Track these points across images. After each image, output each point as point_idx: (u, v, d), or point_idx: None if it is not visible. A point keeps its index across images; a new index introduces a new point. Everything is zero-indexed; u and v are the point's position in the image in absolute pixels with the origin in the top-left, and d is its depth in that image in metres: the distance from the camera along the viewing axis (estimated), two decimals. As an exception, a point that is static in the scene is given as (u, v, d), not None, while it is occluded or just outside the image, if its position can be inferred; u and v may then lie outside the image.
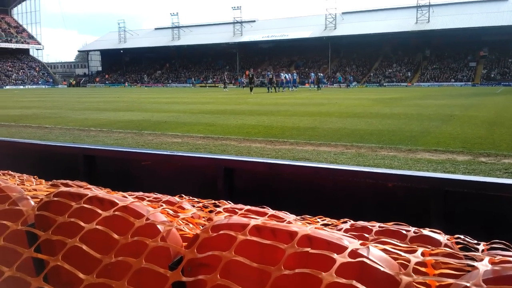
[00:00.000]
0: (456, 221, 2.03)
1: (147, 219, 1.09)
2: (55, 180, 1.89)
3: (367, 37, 65.14)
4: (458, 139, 8.62)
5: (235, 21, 78.10)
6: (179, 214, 1.23)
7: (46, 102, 26.07)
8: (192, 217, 1.25)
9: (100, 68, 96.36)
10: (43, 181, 1.89)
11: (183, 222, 1.16)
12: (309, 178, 2.43)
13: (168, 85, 77.79)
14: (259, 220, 0.99)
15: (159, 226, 1.08)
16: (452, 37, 62.44)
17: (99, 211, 1.11)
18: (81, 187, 1.75)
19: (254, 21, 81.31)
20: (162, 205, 1.32)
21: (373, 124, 11.59)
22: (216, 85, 69.01)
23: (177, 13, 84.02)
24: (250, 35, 76.52)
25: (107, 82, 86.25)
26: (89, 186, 1.76)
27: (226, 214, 1.34)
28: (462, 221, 2.03)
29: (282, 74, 44.01)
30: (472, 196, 1.99)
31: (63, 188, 1.30)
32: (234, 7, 78.05)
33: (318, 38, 69.62)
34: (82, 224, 1.07)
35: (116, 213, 1.10)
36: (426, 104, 19.12)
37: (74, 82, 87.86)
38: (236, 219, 1.05)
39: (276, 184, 2.55)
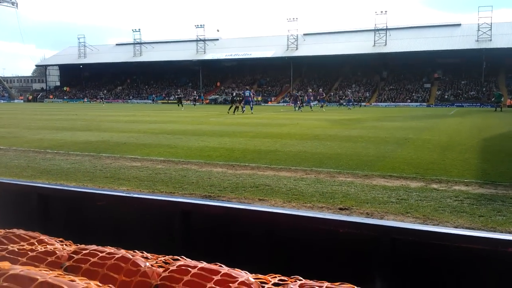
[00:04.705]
0: (403, 269, 2.12)
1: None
2: (7, 230, 1.85)
3: (327, 58, 66.87)
4: (412, 164, 8.94)
5: (198, 39, 78.31)
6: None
7: (1, 120, 25.13)
8: None
9: (58, 83, 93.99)
10: None
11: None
12: (265, 223, 2.48)
13: (129, 101, 76.72)
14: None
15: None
16: (408, 60, 65.09)
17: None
18: (34, 238, 1.72)
19: (218, 39, 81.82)
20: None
21: (332, 147, 11.85)
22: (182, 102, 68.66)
23: (139, 29, 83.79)
24: (213, 53, 76.91)
25: (65, 97, 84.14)
26: (41, 237, 1.74)
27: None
28: (408, 270, 2.12)
29: (310, 92, 42.47)
30: (418, 245, 2.09)
31: (13, 270, 1.28)
32: (198, 25, 78.39)
33: (280, 58, 70.87)
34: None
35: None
36: (383, 126, 19.73)
37: (31, 97, 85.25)
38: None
39: (233, 229, 2.58)
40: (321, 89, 50.67)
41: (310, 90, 45.92)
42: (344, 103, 48.81)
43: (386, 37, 66.13)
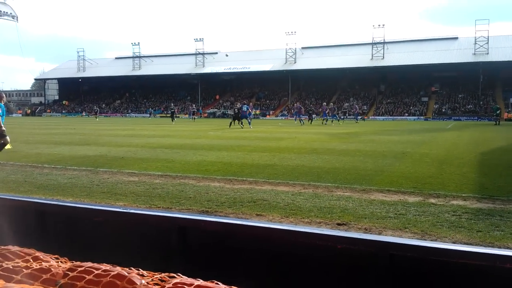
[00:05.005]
0: (401, 285, 2.11)
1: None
2: (1, 247, 1.84)
3: (325, 71, 67.27)
4: (410, 179, 8.94)
5: (197, 53, 78.79)
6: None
7: None
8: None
9: (57, 97, 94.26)
10: None
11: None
12: (262, 239, 2.47)
13: (127, 115, 76.85)
14: None
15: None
16: (405, 73, 65.55)
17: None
18: (29, 255, 1.71)
19: (216, 53, 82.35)
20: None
21: (330, 161, 11.84)
22: (177, 115, 68.78)
23: (138, 43, 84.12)
24: (212, 67, 77.33)
25: (63, 111, 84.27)
26: (36, 254, 1.73)
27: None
28: (407, 286, 2.11)
29: (324, 106, 42.67)
30: (416, 260, 2.08)
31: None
32: (197, 39, 78.92)
33: (278, 71, 71.30)
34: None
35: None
36: (380, 140, 19.75)
37: (29, 111, 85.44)
38: None
39: (230, 245, 2.57)
40: (332, 104, 50.70)
41: (325, 103, 46.14)
42: (342, 117, 48.89)
43: (383, 50, 66.63)
